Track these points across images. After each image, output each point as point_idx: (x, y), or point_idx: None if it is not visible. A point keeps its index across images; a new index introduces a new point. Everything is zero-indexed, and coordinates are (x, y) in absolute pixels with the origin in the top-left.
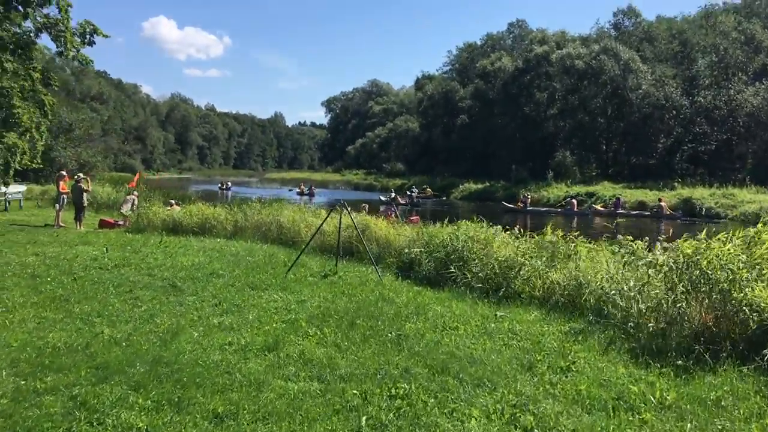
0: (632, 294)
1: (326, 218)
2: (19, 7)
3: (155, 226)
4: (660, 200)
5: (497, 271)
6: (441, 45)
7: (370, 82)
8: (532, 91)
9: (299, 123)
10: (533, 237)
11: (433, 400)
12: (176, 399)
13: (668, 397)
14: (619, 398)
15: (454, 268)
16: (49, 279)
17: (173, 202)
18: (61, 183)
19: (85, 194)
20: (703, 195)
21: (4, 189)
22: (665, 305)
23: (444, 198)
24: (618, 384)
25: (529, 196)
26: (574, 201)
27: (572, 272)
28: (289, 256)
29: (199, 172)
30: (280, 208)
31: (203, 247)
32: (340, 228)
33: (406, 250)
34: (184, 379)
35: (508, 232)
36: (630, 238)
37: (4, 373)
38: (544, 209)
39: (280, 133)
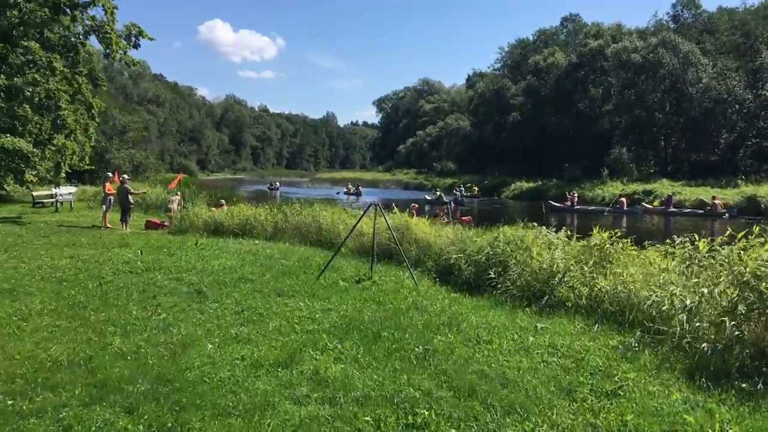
0: (689, 306)
1: (360, 219)
2: (67, 10)
3: (197, 227)
4: (713, 198)
5: (539, 277)
6: (494, 42)
7: (422, 80)
8: (587, 86)
9: (351, 123)
10: (579, 239)
11: (454, 430)
12: (169, 425)
13: (729, 431)
14: (672, 431)
15: (494, 273)
16: (75, 284)
17: (223, 201)
18: (107, 184)
19: (130, 195)
20: None
21: (55, 190)
22: (727, 321)
23: (496, 197)
24: (671, 413)
25: (576, 195)
26: (623, 199)
27: (622, 279)
28: (326, 258)
29: (252, 173)
30: (320, 208)
31: (239, 249)
32: (375, 231)
33: (445, 255)
34: (184, 400)
35: (554, 232)
36: (686, 239)
37: None
38: (592, 208)
39: (333, 133)
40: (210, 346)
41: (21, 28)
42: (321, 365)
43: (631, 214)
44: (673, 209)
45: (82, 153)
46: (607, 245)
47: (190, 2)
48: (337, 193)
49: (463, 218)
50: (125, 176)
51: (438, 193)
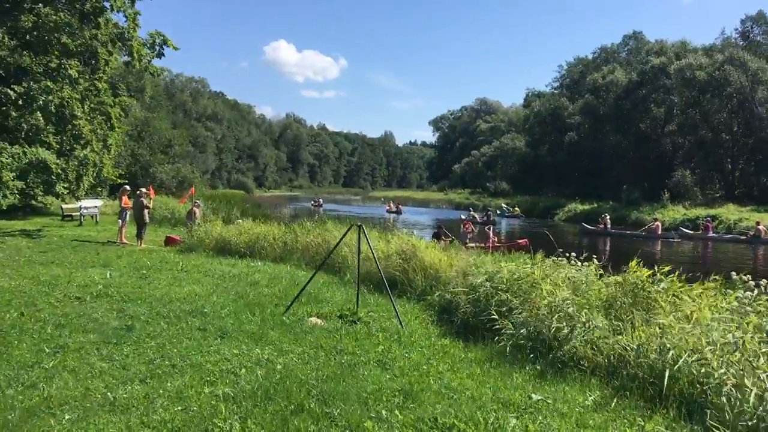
0: (746, 374)
1: (341, 240)
2: (91, 17)
3: (207, 245)
4: (758, 223)
5: (548, 325)
6: (554, 61)
7: (479, 100)
8: (648, 105)
9: (410, 142)
10: (607, 269)
11: None
12: None
13: None
14: None
15: (495, 313)
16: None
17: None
18: (124, 198)
19: (146, 210)
20: None
21: (79, 203)
22: None
23: (549, 219)
24: None
25: (608, 217)
26: (658, 223)
27: (661, 331)
28: (326, 286)
29: (308, 190)
30: (333, 227)
31: (225, 273)
32: (359, 256)
33: (450, 288)
34: None
35: (580, 263)
36: (745, 278)
37: None
38: (627, 231)
39: (390, 152)
40: (53, 422)
41: (35, 33)
42: None
43: (664, 240)
44: (713, 234)
45: (100, 165)
46: (647, 284)
47: (256, 24)
48: (387, 211)
49: (519, 242)
50: (142, 190)
51: (471, 212)
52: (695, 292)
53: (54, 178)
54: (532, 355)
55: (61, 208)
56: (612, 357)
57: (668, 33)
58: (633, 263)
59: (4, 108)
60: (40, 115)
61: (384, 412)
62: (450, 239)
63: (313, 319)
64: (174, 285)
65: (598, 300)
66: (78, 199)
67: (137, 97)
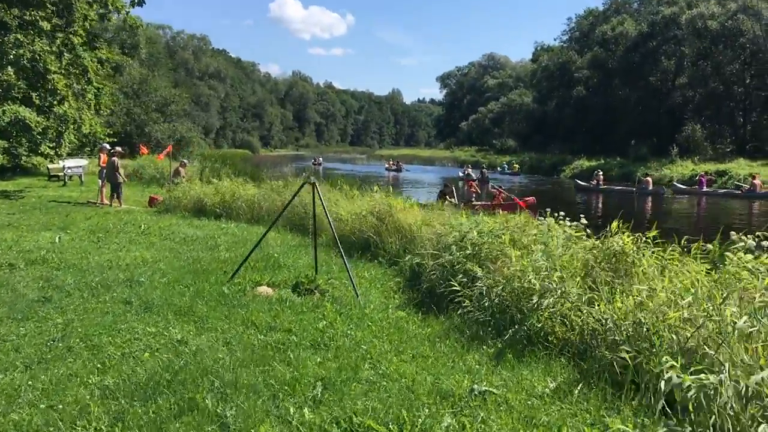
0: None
1: (291, 200)
2: None
3: (185, 205)
4: (753, 177)
5: (508, 296)
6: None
7: (486, 55)
8: (658, 58)
9: (418, 100)
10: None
11: None
12: None
13: None
14: None
15: (458, 282)
16: None
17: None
18: (102, 156)
19: (120, 170)
20: None
21: (62, 163)
22: None
23: (555, 177)
24: None
25: (601, 173)
26: (649, 179)
27: (641, 304)
28: (294, 249)
29: (315, 149)
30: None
31: (188, 235)
32: (314, 217)
33: (417, 254)
34: None
35: (564, 221)
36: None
37: None
38: (618, 188)
39: (398, 110)
40: None
41: None
42: None
43: (655, 196)
44: (707, 190)
45: (80, 121)
46: (630, 249)
47: None
48: (386, 169)
49: (527, 199)
50: (116, 148)
51: (468, 170)
52: (687, 259)
53: (38, 136)
54: (493, 331)
55: (47, 168)
56: (585, 332)
57: None
58: (614, 225)
59: None
60: (11, 70)
61: (292, 409)
62: (454, 201)
63: (261, 289)
64: (124, 250)
65: (573, 267)
66: (60, 158)
67: (131, 54)
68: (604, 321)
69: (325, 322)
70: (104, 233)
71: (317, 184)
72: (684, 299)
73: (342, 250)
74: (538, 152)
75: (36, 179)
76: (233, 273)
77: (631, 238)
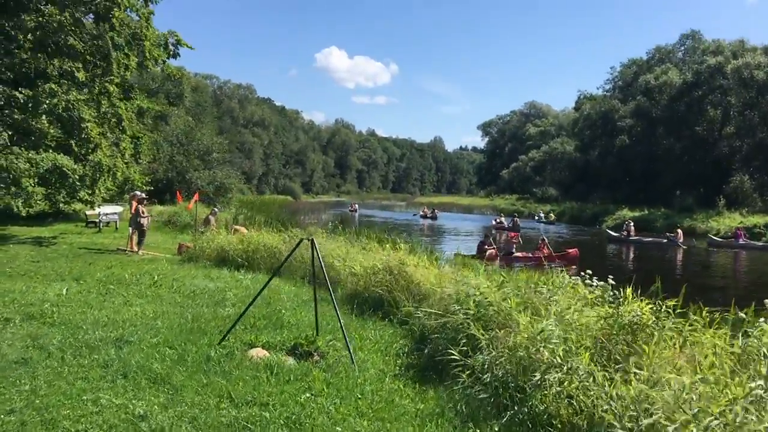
0: None
1: (291, 253)
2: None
3: (208, 255)
4: None
5: (524, 368)
6: (608, 63)
7: (528, 104)
8: (704, 107)
9: (460, 147)
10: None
11: None
12: None
13: None
14: None
15: (461, 349)
16: None
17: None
18: (134, 203)
19: (141, 218)
20: None
21: (98, 210)
22: None
23: (597, 227)
24: None
25: (632, 224)
26: (679, 231)
27: (646, 391)
28: (305, 305)
29: (356, 196)
30: (326, 236)
31: (200, 288)
32: (314, 274)
33: (424, 315)
34: None
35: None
36: None
37: None
38: (647, 239)
39: (439, 158)
40: None
41: (38, 33)
42: None
43: (688, 247)
44: (743, 242)
45: (114, 169)
46: (649, 320)
47: (307, 31)
48: (413, 216)
49: (569, 251)
50: (136, 193)
51: (500, 218)
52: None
53: (77, 183)
54: (493, 410)
55: (85, 215)
56: (594, 416)
57: (730, 34)
58: (629, 291)
59: (7, 111)
60: (45, 119)
61: None
62: (494, 247)
63: (254, 351)
64: (127, 304)
65: (584, 338)
66: (94, 205)
67: (176, 103)
68: (613, 405)
69: (308, 395)
70: (116, 284)
71: (315, 241)
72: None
73: (337, 309)
74: (580, 201)
75: (74, 225)
76: (224, 334)
77: (650, 305)
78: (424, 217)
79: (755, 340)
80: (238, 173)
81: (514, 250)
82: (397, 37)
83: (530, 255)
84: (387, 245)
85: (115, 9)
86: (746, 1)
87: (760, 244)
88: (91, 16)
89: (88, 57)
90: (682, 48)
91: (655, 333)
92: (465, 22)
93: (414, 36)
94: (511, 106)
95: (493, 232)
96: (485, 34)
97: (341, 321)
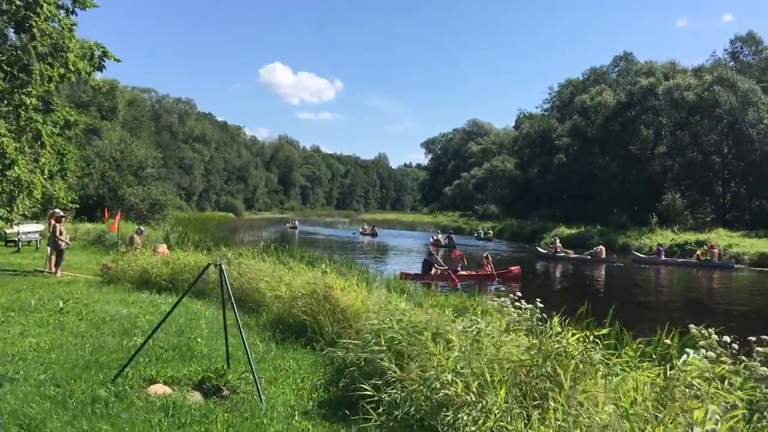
0: None
1: (197, 279)
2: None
3: (129, 277)
4: (712, 246)
5: (424, 405)
6: (547, 83)
7: (471, 122)
8: (637, 127)
9: (404, 164)
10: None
11: None
12: None
13: None
14: None
15: (372, 387)
16: None
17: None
18: (52, 221)
19: (58, 238)
20: None
21: (17, 228)
22: None
23: (536, 244)
24: None
25: (558, 240)
26: (601, 248)
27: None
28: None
29: (300, 212)
30: (256, 256)
31: (111, 314)
32: (223, 302)
33: (342, 345)
34: None
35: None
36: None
37: None
38: (574, 256)
39: (383, 174)
40: None
41: None
42: None
43: (608, 264)
44: (665, 258)
45: (31, 186)
46: (575, 353)
47: (251, 46)
48: (353, 234)
49: (512, 269)
50: (57, 210)
51: (437, 236)
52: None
53: None
54: None
55: (4, 233)
56: None
57: (661, 56)
58: (555, 320)
59: None
60: None
61: None
62: (443, 268)
63: (155, 388)
64: (23, 335)
65: (508, 369)
66: (12, 223)
67: (109, 117)
68: None
69: None
70: (18, 311)
71: (224, 266)
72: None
73: (244, 339)
74: (520, 219)
75: None
76: (120, 369)
77: (577, 335)
78: (364, 234)
79: (680, 373)
80: (175, 189)
81: (459, 268)
82: (342, 53)
83: (474, 273)
84: (318, 266)
85: (35, 18)
86: (677, 23)
87: (680, 260)
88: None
89: (5, 67)
90: (616, 69)
91: (580, 365)
92: (409, 39)
93: (359, 53)
94: (455, 123)
95: (431, 248)
96: (429, 51)
97: (249, 353)
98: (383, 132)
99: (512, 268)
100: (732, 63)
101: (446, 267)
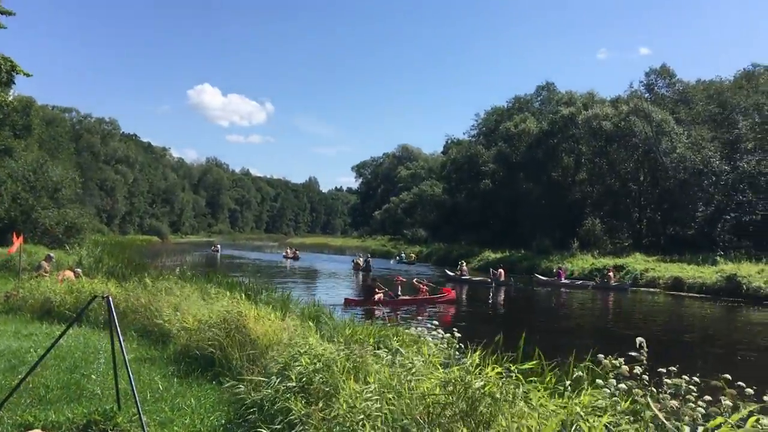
0: None
1: (84, 309)
2: None
3: (30, 306)
4: (608, 270)
5: None
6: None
7: (400, 146)
8: (559, 154)
9: (335, 188)
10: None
11: None
12: None
13: None
14: None
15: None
16: None
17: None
18: None
19: None
20: (750, 272)
21: None
22: None
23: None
24: None
25: (464, 263)
26: (501, 270)
27: None
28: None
29: (228, 236)
30: (169, 284)
31: (1, 349)
32: (112, 338)
33: (245, 380)
34: None
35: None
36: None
37: None
38: (476, 279)
39: (314, 198)
40: None
41: None
42: None
43: (505, 286)
44: (565, 281)
45: None
46: (494, 387)
47: (179, 66)
48: (282, 258)
49: (446, 291)
50: None
51: (357, 259)
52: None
53: None
54: None
55: None
56: None
57: (584, 85)
58: (475, 356)
59: None
60: None
61: None
62: (384, 291)
63: None
64: None
65: (422, 406)
66: None
67: (23, 136)
68: None
69: None
70: None
71: (111, 298)
72: None
73: (130, 374)
74: (448, 243)
75: None
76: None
77: (497, 371)
78: (287, 257)
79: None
80: (94, 212)
81: (399, 292)
82: (273, 76)
83: (413, 298)
84: (235, 292)
85: None
86: (597, 55)
87: (579, 282)
88: None
89: None
90: (539, 98)
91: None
92: (339, 62)
93: (289, 75)
94: (386, 148)
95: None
96: (359, 75)
97: (135, 392)
98: (314, 155)
99: (446, 291)
100: (647, 94)
101: (386, 290)
